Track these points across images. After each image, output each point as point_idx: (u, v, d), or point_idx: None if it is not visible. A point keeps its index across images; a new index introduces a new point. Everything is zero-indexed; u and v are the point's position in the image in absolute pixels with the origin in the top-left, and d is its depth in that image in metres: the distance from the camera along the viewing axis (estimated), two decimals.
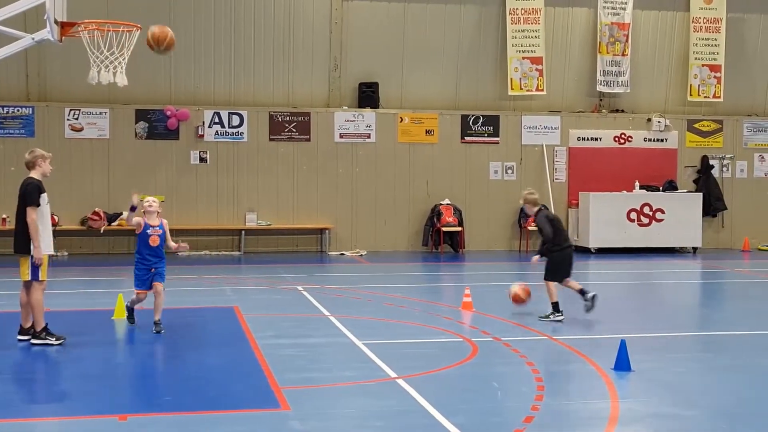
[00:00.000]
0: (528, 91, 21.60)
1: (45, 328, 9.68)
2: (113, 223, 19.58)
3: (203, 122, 20.20)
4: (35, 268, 9.55)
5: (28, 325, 9.83)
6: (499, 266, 18.70)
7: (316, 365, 8.90)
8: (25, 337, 9.73)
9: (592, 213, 20.75)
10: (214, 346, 9.77)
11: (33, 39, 9.44)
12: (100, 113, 19.82)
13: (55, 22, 9.45)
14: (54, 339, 9.66)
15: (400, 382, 8.09)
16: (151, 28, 10.49)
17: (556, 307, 11.49)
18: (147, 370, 8.67)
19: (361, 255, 20.17)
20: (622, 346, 8.59)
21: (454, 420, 6.87)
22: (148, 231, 10.42)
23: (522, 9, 21.38)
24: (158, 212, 10.55)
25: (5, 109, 19.40)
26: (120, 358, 9.59)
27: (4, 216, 18.73)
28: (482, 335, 10.40)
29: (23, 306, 9.72)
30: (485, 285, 15.13)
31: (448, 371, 8.67)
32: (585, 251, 20.86)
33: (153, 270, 10.45)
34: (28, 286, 9.57)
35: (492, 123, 21.48)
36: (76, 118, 19.73)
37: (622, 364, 8.50)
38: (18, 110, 19.49)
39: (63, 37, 9.77)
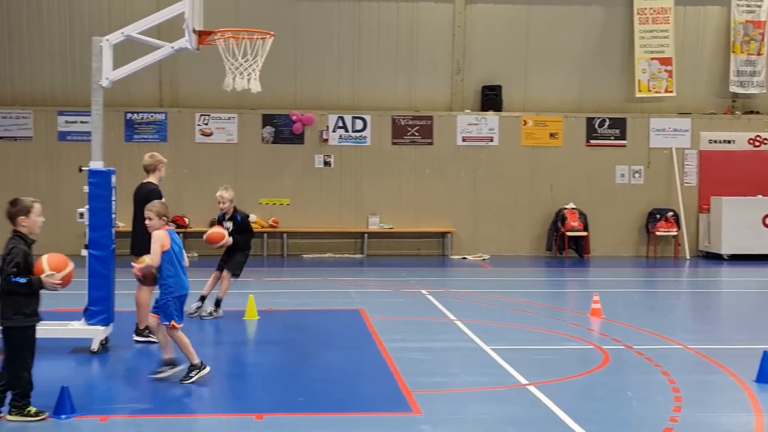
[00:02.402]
0: (656, 92, 21.03)
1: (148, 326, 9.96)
2: None
3: (327, 126, 20.47)
4: None
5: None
6: (626, 272, 18.26)
7: (444, 369, 8.88)
8: (142, 338, 9.98)
9: (724, 218, 20.02)
10: (343, 348, 9.87)
11: (173, 48, 9.72)
12: (229, 118, 20.34)
13: (193, 30, 9.72)
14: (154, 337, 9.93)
15: (531, 388, 7.98)
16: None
17: (219, 303, 11.67)
18: (279, 370, 8.81)
19: (484, 259, 20.03)
20: (765, 357, 8.23)
21: (588, 429, 6.75)
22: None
23: (651, 8, 20.83)
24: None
25: (140, 115, 20.15)
26: (251, 358, 9.80)
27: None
28: (613, 343, 10.17)
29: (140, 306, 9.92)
30: (613, 291, 14.78)
31: (580, 379, 8.51)
32: (717, 258, 20.15)
33: None
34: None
35: (618, 125, 21.00)
36: (206, 123, 20.31)
37: (765, 376, 8.14)
38: (152, 116, 20.20)
39: (200, 46, 10.04)
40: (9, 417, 6.80)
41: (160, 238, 8.18)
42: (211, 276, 11.87)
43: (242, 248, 11.88)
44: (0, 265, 6.91)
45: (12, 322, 6.86)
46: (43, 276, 6.89)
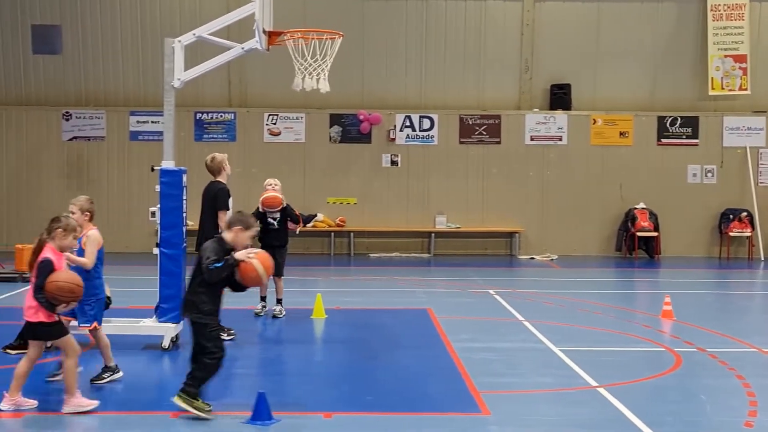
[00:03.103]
0: (730, 90, 20.57)
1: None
2: (308, 225, 20.15)
3: (394, 126, 20.48)
4: None
5: None
6: (699, 273, 17.90)
7: (513, 370, 8.82)
8: None
9: None
10: (411, 348, 9.86)
11: (243, 48, 9.81)
12: (297, 118, 20.49)
13: (263, 31, 9.81)
14: (225, 335, 10.03)
15: (601, 390, 7.88)
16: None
17: (280, 302, 11.65)
18: (346, 369, 8.85)
19: (552, 259, 19.82)
20: None
21: None
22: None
23: (725, 5, 20.37)
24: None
25: (210, 114, 20.42)
26: (319, 356, 9.85)
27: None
28: (685, 345, 9.97)
29: None
30: (685, 293, 14.49)
31: (651, 381, 8.37)
32: None
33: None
34: None
35: (691, 124, 20.59)
36: (274, 123, 20.49)
37: None
38: (221, 116, 20.46)
39: (269, 46, 10.12)
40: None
41: (97, 238, 7.88)
42: None
43: (282, 244, 11.70)
44: (196, 265, 7.11)
45: (192, 316, 7.10)
46: (238, 253, 7.02)
